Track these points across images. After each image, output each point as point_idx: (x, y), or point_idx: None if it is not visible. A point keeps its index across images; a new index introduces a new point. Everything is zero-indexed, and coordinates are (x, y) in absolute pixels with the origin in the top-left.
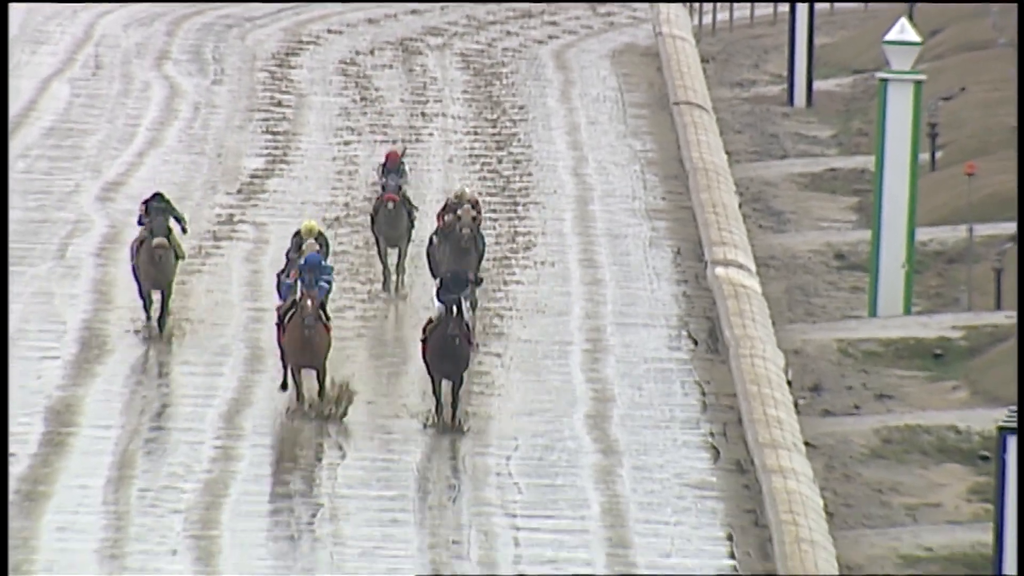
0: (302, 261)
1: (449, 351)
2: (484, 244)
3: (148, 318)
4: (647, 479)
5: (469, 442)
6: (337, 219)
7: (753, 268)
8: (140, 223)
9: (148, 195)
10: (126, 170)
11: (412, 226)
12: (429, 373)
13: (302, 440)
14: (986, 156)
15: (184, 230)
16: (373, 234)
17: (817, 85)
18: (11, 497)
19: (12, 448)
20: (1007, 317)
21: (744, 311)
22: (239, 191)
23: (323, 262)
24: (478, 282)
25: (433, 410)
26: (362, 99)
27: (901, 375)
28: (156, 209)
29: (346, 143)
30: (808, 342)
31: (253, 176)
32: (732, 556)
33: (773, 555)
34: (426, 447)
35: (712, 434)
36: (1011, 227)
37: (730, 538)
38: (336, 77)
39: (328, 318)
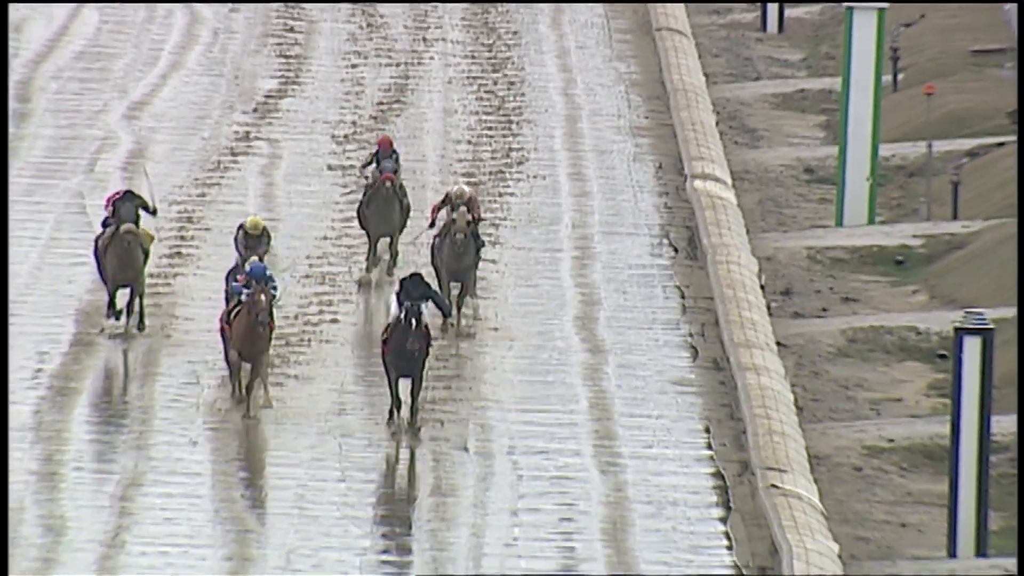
0: (248, 269)
1: (408, 359)
2: (483, 243)
3: (115, 316)
4: (631, 376)
5: (466, 342)
6: (346, 136)
7: (729, 181)
8: (105, 224)
9: (116, 193)
10: (150, 91)
11: (406, 216)
12: (386, 371)
13: (314, 338)
14: (944, 78)
15: (154, 211)
16: (362, 226)
17: (788, 12)
18: (44, 393)
19: (45, 347)
20: (963, 227)
21: (721, 221)
22: (254, 110)
23: (267, 271)
24: (446, 314)
25: (390, 408)
26: (368, 25)
27: (865, 280)
28: (123, 200)
29: (353, 66)
30: (780, 249)
31: (267, 96)
32: (709, 447)
33: (747, 446)
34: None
35: (691, 334)
36: (967, 143)
37: (707, 430)
38: (344, 5)
39: (271, 316)
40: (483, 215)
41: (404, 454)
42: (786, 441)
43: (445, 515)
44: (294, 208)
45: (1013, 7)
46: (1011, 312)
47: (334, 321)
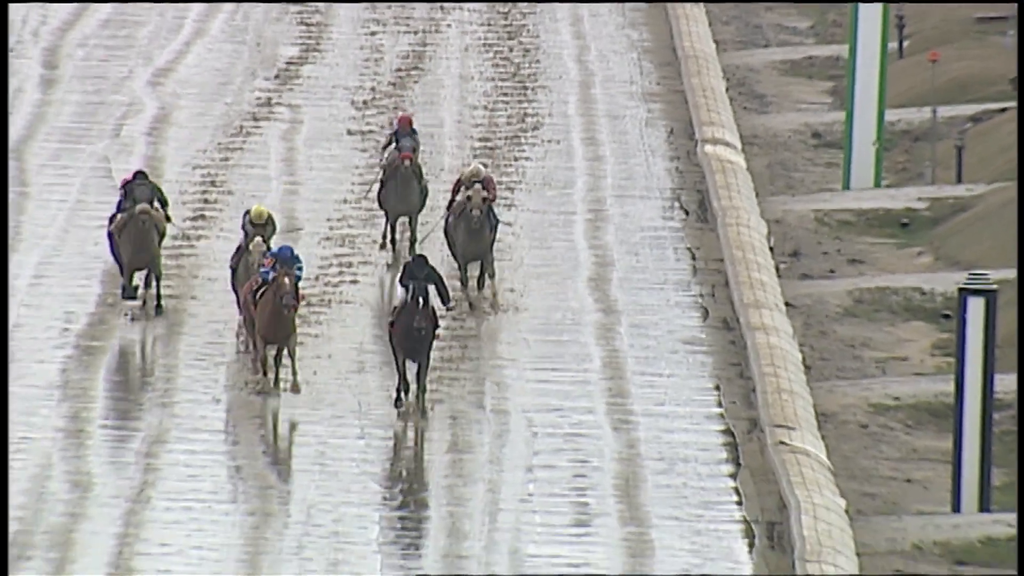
0: (275, 250)
1: (415, 339)
2: (497, 221)
3: (131, 297)
4: (643, 336)
5: (485, 303)
6: (365, 102)
7: (739, 146)
8: (120, 209)
9: (130, 175)
10: (174, 57)
11: (424, 198)
12: (394, 353)
13: (334, 299)
14: (948, 45)
15: (167, 217)
16: (379, 205)
17: None
18: (71, 352)
19: (72, 307)
20: (967, 190)
21: (731, 184)
22: (276, 76)
23: (293, 252)
24: (446, 304)
25: (398, 389)
26: None
27: (871, 242)
28: (138, 187)
29: (372, 33)
30: (788, 212)
31: (289, 63)
32: (719, 405)
33: (756, 404)
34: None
35: (702, 295)
36: (971, 109)
37: (717, 388)
38: None
39: (299, 299)
40: (498, 190)
41: (420, 404)
42: (794, 399)
43: (461, 471)
44: (315, 172)
45: None
46: (1014, 273)
47: (353, 282)
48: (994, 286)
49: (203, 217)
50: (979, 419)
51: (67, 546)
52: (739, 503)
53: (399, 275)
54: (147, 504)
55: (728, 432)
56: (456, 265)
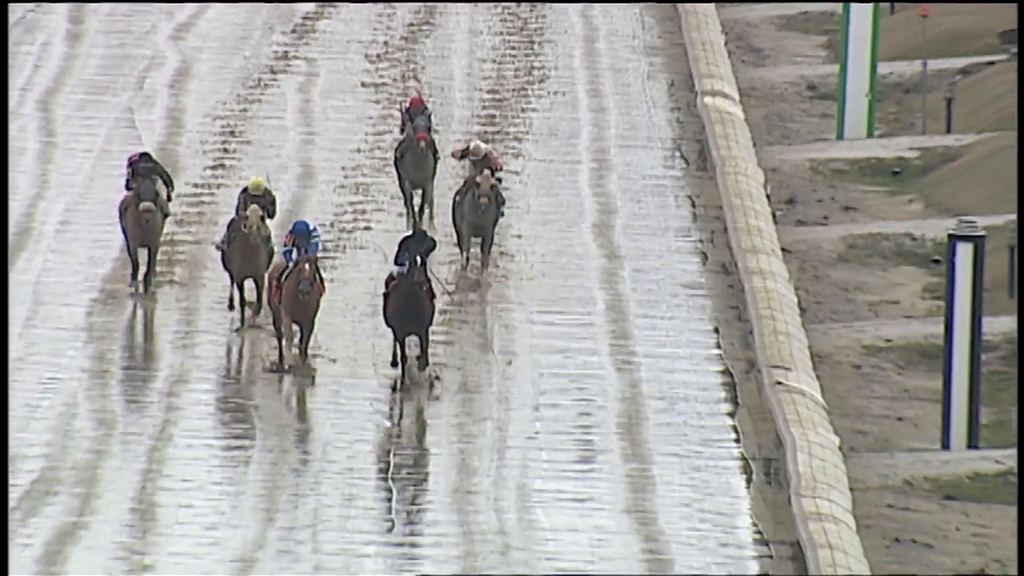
0: (291, 228)
1: (413, 304)
2: (503, 200)
3: (135, 276)
4: (645, 280)
5: (494, 249)
6: (378, 56)
7: (737, 97)
8: (128, 187)
9: (135, 155)
10: (195, 12)
11: (435, 167)
12: (391, 329)
13: (349, 244)
14: (938, 1)
15: (169, 196)
16: (398, 174)
17: None
18: (96, 296)
19: (97, 252)
20: (956, 140)
21: (729, 134)
22: (293, 31)
23: (309, 227)
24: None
25: (398, 366)
26: None
27: (864, 190)
28: (143, 171)
29: None
30: (784, 161)
31: (305, 18)
32: (718, 346)
33: (753, 345)
34: (454, 255)
35: (701, 241)
36: (960, 62)
37: (716, 331)
38: None
39: (321, 279)
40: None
41: (433, 352)
42: (790, 341)
43: (471, 410)
44: (330, 122)
45: None
46: (1001, 220)
47: (367, 228)
48: (982, 232)
49: (223, 166)
50: (967, 360)
51: (92, 482)
52: (737, 440)
53: (395, 252)
54: (169, 441)
55: (727, 372)
56: (456, 238)
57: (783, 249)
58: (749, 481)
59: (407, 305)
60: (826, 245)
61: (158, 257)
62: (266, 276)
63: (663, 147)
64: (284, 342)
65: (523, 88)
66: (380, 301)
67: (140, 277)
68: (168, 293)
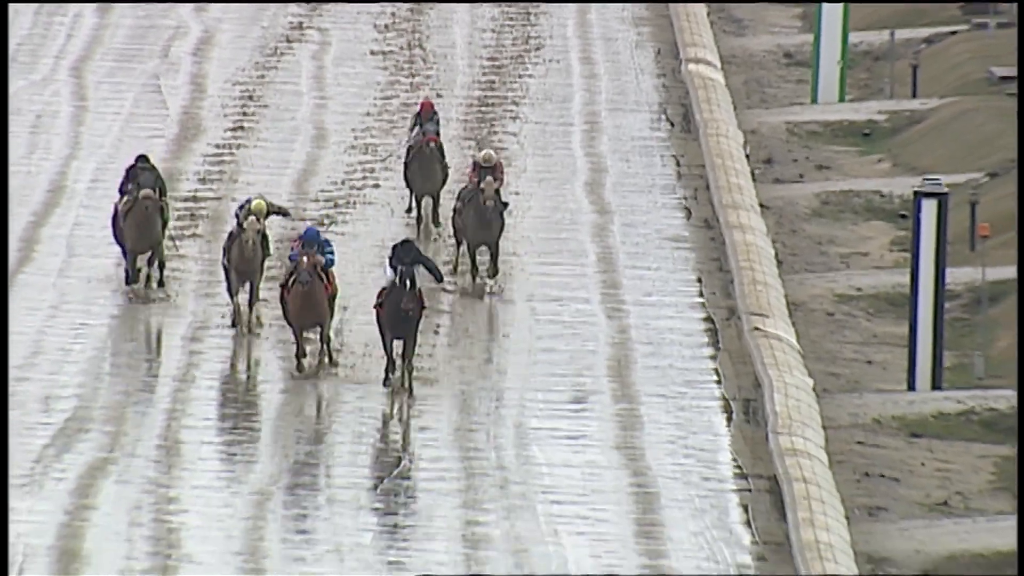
0: (302, 233)
1: (402, 320)
2: (506, 205)
3: (134, 282)
4: (633, 233)
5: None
6: (386, 26)
7: (718, 64)
8: (121, 192)
9: (131, 161)
10: None
11: (445, 177)
12: (381, 334)
13: (358, 201)
14: None
15: (163, 192)
16: (406, 183)
17: None
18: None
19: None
20: (922, 104)
21: (711, 99)
22: (307, 2)
23: (320, 236)
24: (439, 280)
25: (386, 369)
26: None
27: (836, 150)
28: (141, 170)
29: None
30: (762, 124)
31: None
32: (701, 295)
33: (734, 294)
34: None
35: (685, 197)
36: (925, 32)
37: (699, 280)
38: None
39: (330, 280)
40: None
41: (439, 301)
42: (767, 290)
43: (471, 354)
44: (341, 88)
45: None
46: (963, 178)
47: (376, 186)
48: (945, 190)
49: (242, 128)
50: (932, 307)
51: (121, 420)
52: (718, 382)
53: (387, 258)
54: (192, 383)
55: (709, 319)
56: (460, 249)
57: (761, 205)
58: (729, 420)
59: (394, 317)
60: (801, 201)
61: (165, 263)
62: (260, 282)
63: (650, 111)
64: (299, 341)
65: (520, 56)
66: (379, 299)
67: (140, 282)
68: (191, 246)
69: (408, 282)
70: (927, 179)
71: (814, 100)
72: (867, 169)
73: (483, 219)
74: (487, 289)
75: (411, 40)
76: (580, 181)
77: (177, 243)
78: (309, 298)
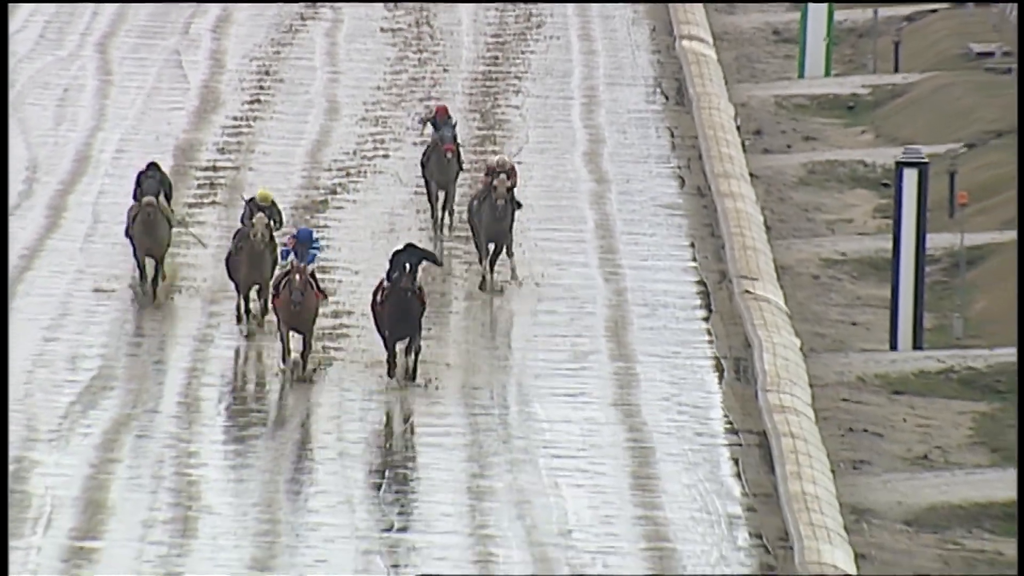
0: (295, 232)
1: (403, 310)
2: (519, 205)
3: (142, 281)
4: (629, 201)
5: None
6: (395, 3)
7: (711, 41)
8: (135, 198)
9: (143, 167)
10: None
11: (459, 172)
12: (382, 335)
13: (369, 170)
14: None
15: (168, 198)
16: (424, 178)
17: None
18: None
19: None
20: (903, 78)
21: (704, 73)
22: None
23: (313, 235)
24: (438, 264)
25: (387, 370)
26: None
27: (823, 122)
28: (147, 177)
29: None
30: (752, 97)
31: None
32: (694, 260)
33: (725, 258)
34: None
35: (679, 167)
36: (906, 9)
37: (692, 246)
38: None
39: (320, 290)
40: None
41: (447, 268)
42: (757, 255)
43: (475, 316)
44: (352, 63)
45: None
46: (943, 148)
47: (385, 156)
48: (926, 159)
49: (259, 101)
50: (913, 271)
51: (143, 378)
52: (710, 342)
53: (388, 266)
54: (211, 344)
55: (701, 283)
56: (475, 246)
57: (751, 174)
58: (721, 378)
59: (397, 311)
60: (789, 171)
61: (165, 264)
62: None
63: (646, 85)
64: (284, 340)
65: (522, 33)
66: (378, 296)
67: (148, 282)
68: (211, 213)
69: (409, 278)
70: (908, 149)
71: (801, 75)
72: (851, 140)
73: (495, 216)
74: (512, 284)
75: (419, 18)
76: (579, 151)
77: (198, 212)
78: (299, 314)
